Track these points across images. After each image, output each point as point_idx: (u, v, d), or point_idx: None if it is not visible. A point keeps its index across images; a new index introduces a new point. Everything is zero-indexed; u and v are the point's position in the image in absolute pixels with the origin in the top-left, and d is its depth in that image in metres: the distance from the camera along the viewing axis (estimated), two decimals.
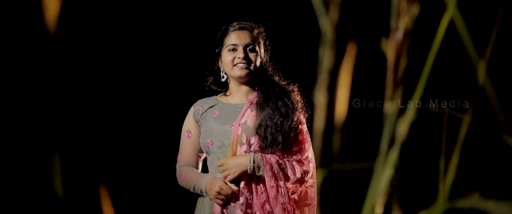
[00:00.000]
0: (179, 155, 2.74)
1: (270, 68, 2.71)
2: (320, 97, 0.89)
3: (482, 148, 3.75)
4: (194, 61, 3.81)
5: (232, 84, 2.69)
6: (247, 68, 2.61)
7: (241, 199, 2.51)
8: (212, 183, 2.53)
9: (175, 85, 4.05)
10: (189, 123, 2.73)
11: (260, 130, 2.55)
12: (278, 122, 2.54)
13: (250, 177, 2.53)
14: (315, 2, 0.92)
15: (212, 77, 2.73)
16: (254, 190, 2.52)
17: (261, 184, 2.53)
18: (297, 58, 3.09)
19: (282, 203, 2.49)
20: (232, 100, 2.69)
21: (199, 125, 2.69)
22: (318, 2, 0.91)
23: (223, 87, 2.73)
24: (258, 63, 2.64)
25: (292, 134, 2.56)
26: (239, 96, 2.68)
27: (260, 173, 2.50)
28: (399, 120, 0.81)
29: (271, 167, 2.49)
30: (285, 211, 2.49)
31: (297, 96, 2.65)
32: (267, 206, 2.50)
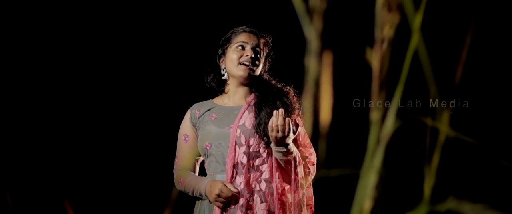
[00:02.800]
0: (176, 159, 2.70)
1: (267, 76, 2.69)
2: (306, 105, 0.88)
3: (460, 153, 3.77)
4: (187, 66, 3.80)
5: (231, 85, 2.66)
6: (251, 69, 2.59)
7: (241, 201, 2.47)
8: (212, 186, 2.49)
9: (168, 91, 4.04)
10: (186, 127, 2.69)
11: (259, 129, 2.51)
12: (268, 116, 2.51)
13: (250, 178, 2.51)
14: (299, 11, 0.92)
15: (212, 75, 2.69)
16: (254, 191, 2.49)
17: (261, 185, 2.50)
18: (284, 67, 3.09)
19: (279, 199, 2.48)
20: (229, 103, 2.66)
21: (196, 129, 2.65)
22: (302, 11, 0.91)
23: (221, 86, 2.70)
24: (260, 68, 2.63)
25: (295, 132, 2.51)
26: (237, 98, 2.65)
27: (292, 155, 2.43)
28: (384, 126, 0.81)
29: (294, 158, 2.46)
30: (283, 211, 2.48)
31: (294, 98, 2.63)
32: (264, 205, 2.48)
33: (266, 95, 2.61)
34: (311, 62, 0.90)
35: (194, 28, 4.02)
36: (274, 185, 2.50)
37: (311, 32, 0.91)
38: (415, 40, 0.84)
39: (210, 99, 2.71)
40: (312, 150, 2.58)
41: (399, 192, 3.75)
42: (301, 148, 2.56)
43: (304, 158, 2.54)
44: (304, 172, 2.51)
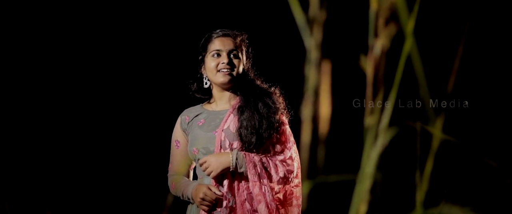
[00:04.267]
0: (169, 164, 2.73)
1: (251, 74, 2.67)
2: (306, 113, 0.90)
3: (453, 158, 3.78)
4: (180, 70, 3.80)
5: (215, 91, 2.66)
6: (230, 74, 2.58)
7: (225, 203, 2.48)
8: (197, 190, 2.51)
9: (163, 95, 4.04)
10: (177, 133, 2.71)
11: (241, 132, 2.52)
12: (256, 123, 2.50)
13: (233, 180, 2.51)
14: (300, 22, 0.93)
15: (195, 84, 2.69)
16: (236, 193, 2.49)
17: (244, 187, 2.50)
18: (285, 76, 3.11)
19: (265, 202, 2.46)
20: (216, 108, 2.66)
21: (186, 134, 2.67)
22: (302, 22, 0.93)
23: (207, 95, 2.70)
24: (240, 69, 2.61)
25: (273, 133, 2.52)
26: (222, 102, 2.65)
27: (242, 170, 2.46)
28: (379, 134, 0.83)
29: (254, 165, 2.46)
30: (268, 210, 2.45)
31: (278, 98, 2.62)
32: (247, 205, 2.47)
33: (249, 98, 2.59)
34: (310, 72, 0.92)
35: (191, 34, 4.03)
36: (256, 188, 2.48)
37: (311, 43, 0.93)
38: (408, 45, 0.85)
39: (200, 104, 2.72)
40: (290, 154, 2.55)
41: (394, 196, 3.76)
42: (277, 145, 2.55)
43: (275, 154, 2.53)
44: (276, 171, 2.49)
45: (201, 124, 2.63)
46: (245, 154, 2.48)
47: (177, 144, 2.70)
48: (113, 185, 4.10)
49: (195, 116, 2.68)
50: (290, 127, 2.66)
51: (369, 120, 0.82)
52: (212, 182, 2.53)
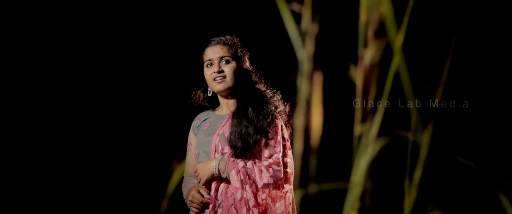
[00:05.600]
0: (185, 166, 2.74)
1: (254, 75, 2.66)
2: (298, 123, 0.90)
3: (441, 166, 3.79)
4: (185, 69, 3.79)
5: (219, 98, 2.69)
6: (224, 81, 2.59)
7: (210, 207, 2.51)
8: (189, 192, 2.55)
9: (165, 96, 4.04)
10: (190, 136, 2.74)
11: (230, 137, 2.51)
12: (243, 129, 2.49)
13: (221, 185, 2.51)
14: (292, 35, 0.94)
15: (202, 94, 2.71)
16: (224, 197, 2.49)
17: (232, 191, 2.49)
18: (277, 87, 3.11)
19: (247, 207, 2.44)
20: (221, 112, 2.68)
21: (196, 137, 2.70)
22: (295, 36, 0.93)
23: (216, 101, 2.72)
24: (235, 74, 2.60)
25: (260, 138, 2.49)
26: (225, 108, 2.67)
27: (225, 175, 2.46)
28: (369, 143, 0.83)
29: (237, 172, 2.45)
30: None
31: (276, 103, 2.59)
32: (233, 210, 2.46)
33: (243, 103, 2.57)
34: (303, 83, 0.92)
35: (188, 43, 4.03)
36: (239, 193, 2.46)
37: (303, 55, 0.94)
38: (397, 60, 0.86)
39: (212, 109, 2.74)
40: (278, 160, 2.49)
41: (384, 203, 3.76)
42: (266, 149, 2.50)
43: (264, 159, 2.49)
44: (261, 177, 2.45)
45: (206, 127, 2.66)
46: (229, 160, 2.47)
47: (189, 146, 2.73)
48: (112, 185, 4.09)
49: (204, 120, 2.71)
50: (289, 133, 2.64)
51: (358, 129, 0.83)
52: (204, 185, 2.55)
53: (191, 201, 2.52)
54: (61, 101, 3.98)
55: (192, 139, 2.73)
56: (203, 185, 2.53)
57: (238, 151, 2.48)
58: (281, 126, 2.57)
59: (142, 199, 4.09)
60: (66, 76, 3.99)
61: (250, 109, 2.54)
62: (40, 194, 3.93)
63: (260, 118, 2.51)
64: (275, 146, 2.51)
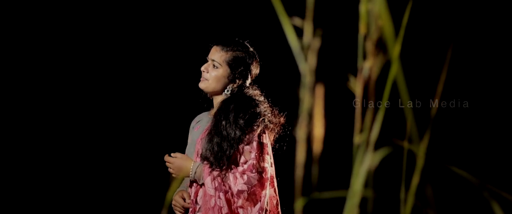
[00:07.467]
0: None
1: (245, 88, 2.57)
2: (301, 134, 0.91)
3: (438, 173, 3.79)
4: (183, 70, 3.78)
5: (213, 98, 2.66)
6: (203, 82, 2.55)
7: (190, 210, 2.50)
8: (174, 195, 2.52)
9: (163, 96, 4.03)
10: (188, 137, 2.71)
11: (203, 153, 2.47)
12: (214, 147, 2.41)
13: (201, 189, 2.48)
14: (295, 49, 0.95)
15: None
16: (203, 200, 2.45)
17: (208, 195, 2.43)
18: (280, 99, 3.12)
19: None
20: (212, 114, 2.62)
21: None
22: (297, 50, 0.94)
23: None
24: (217, 80, 2.53)
25: (231, 147, 2.40)
26: (213, 110, 2.62)
27: (201, 182, 2.43)
28: (369, 152, 0.84)
29: (213, 179, 2.39)
30: None
31: (258, 109, 2.48)
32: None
33: (221, 109, 2.50)
34: (305, 95, 0.93)
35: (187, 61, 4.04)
36: (213, 200, 2.41)
37: (305, 68, 0.95)
38: (394, 70, 0.87)
39: (208, 111, 2.71)
40: (253, 160, 2.42)
41: (382, 211, 3.76)
42: (242, 156, 2.42)
43: (240, 165, 2.42)
44: (235, 183, 2.37)
45: (196, 129, 2.64)
46: (204, 167, 2.42)
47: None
48: (113, 185, 4.08)
49: (198, 121, 2.68)
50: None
51: (358, 139, 0.84)
52: (188, 189, 2.53)
53: (174, 205, 2.52)
54: (61, 104, 3.98)
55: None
56: (174, 177, 2.50)
57: (213, 166, 2.42)
58: (262, 131, 2.49)
59: (141, 207, 4.08)
60: (66, 78, 3.98)
61: (222, 116, 2.45)
62: (39, 196, 3.93)
63: (234, 128, 2.41)
64: (251, 152, 2.43)
